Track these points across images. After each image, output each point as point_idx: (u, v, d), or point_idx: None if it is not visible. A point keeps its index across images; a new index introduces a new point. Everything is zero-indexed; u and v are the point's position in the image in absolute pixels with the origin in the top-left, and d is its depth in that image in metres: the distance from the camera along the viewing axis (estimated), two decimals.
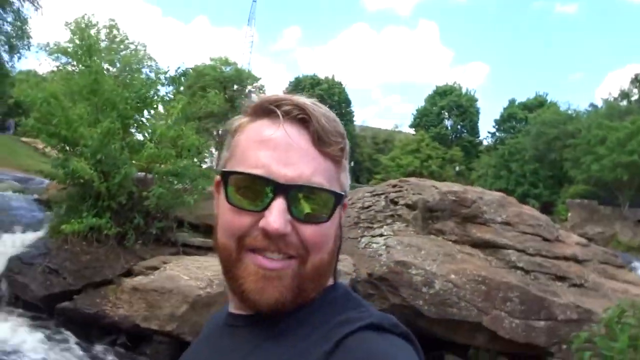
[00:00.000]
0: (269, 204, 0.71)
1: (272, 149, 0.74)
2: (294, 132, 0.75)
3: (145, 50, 33.51)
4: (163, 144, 6.84)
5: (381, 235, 7.62)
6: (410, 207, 7.61)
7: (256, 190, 0.73)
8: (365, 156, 56.74)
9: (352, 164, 53.94)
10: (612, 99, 40.97)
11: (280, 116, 0.74)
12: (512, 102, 50.15)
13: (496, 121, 50.46)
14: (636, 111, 37.46)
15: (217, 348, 0.82)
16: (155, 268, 6.79)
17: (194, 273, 5.33)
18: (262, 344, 0.75)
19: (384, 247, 7.07)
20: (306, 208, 0.72)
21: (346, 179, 0.81)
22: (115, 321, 5.85)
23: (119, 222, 7.05)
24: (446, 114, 51.06)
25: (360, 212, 8.81)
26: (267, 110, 0.77)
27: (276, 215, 0.70)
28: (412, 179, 8.51)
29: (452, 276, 6.65)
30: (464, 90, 51.19)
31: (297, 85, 52.26)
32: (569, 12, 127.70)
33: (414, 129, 53.61)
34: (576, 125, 35.93)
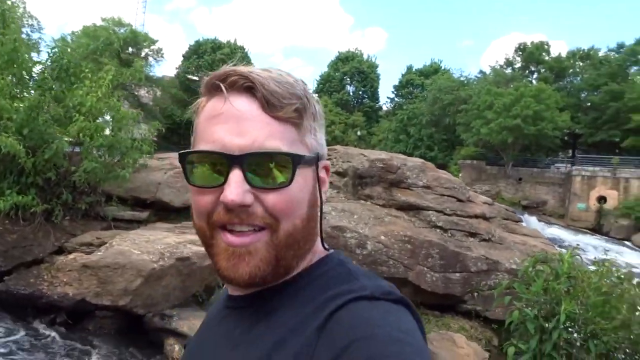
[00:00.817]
0: (226, 178, 0.71)
1: (224, 122, 0.73)
2: (243, 102, 0.73)
3: (25, 7, 30.49)
4: (93, 116, 6.56)
5: None
6: (341, 174, 8.03)
7: (214, 166, 0.72)
8: None
9: None
10: (498, 67, 44.29)
11: (224, 89, 0.74)
12: (409, 68, 52.30)
13: (395, 87, 52.50)
14: (519, 78, 40.92)
15: (216, 331, 0.83)
16: (90, 244, 6.65)
17: (144, 247, 5.35)
18: (256, 324, 0.75)
19: None
20: (263, 174, 0.71)
21: (316, 140, 0.78)
22: (54, 300, 5.71)
23: (45, 199, 6.74)
24: (348, 79, 52.08)
25: None
26: (215, 86, 0.75)
27: (232, 187, 0.70)
28: (339, 147, 8.92)
29: (382, 237, 7.22)
30: (365, 57, 52.42)
31: (197, 50, 50.40)
32: None
33: (317, 95, 54.21)
34: (468, 92, 38.42)
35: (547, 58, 42.84)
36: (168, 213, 8.59)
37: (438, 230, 7.89)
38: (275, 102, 0.72)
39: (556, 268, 5.06)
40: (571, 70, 42.85)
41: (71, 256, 6.08)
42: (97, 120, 6.55)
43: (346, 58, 52.42)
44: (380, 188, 7.93)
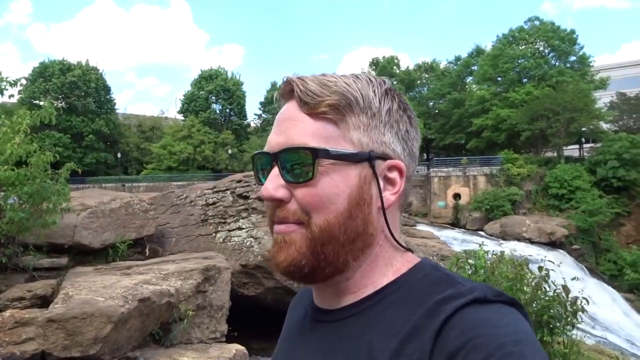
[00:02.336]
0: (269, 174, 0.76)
1: (274, 126, 0.79)
2: (287, 105, 0.78)
3: None
4: (13, 163, 6.22)
5: (240, 228, 8.36)
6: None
7: (264, 165, 0.78)
8: (133, 146, 54.10)
9: (119, 155, 51.04)
10: None
11: (275, 98, 0.82)
12: (274, 84, 53.58)
13: (262, 103, 53.44)
14: None
15: (308, 346, 0.81)
16: (22, 298, 6.35)
17: (105, 293, 5.32)
18: (361, 337, 0.73)
19: (251, 239, 7.86)
20: (292, 170, 0.73)
21: (369, 136, 0.76)
22: None
23: None
24: (214, 98, 51.88)
25: (206, 209, 9.35)
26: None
27: (267, 182, 0.74)
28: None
29: None
30: (229, 75, 52.65)
31: (44, 72, 46.53)
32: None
33: (182, 115, 53.18)
34: None
35: (397, 71, 46.92)
36: (85, 256, 8.33)
37: None
38: (308, 99, 0.74)
39: (474, 263, 6.14)
40: (419, 81, 47.42)
41: (7, 314, 5.79)
42: (19, 168, 6.24)
43: (210, 76, 52.16)
44: None
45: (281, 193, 0.73)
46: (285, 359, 0.86)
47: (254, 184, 8.88)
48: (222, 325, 6.68)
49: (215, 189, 9.54)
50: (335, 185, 0.73)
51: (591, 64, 36.66)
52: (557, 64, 36.26)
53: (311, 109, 0.74)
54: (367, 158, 0.75)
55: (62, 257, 7.80)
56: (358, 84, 0.77)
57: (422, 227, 19.57)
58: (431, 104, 45.70)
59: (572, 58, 36.50)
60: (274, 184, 0.73)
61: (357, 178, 0.75)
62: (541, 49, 37.01)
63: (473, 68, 42.36)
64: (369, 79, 0.79)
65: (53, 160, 6.79)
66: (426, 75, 47.86)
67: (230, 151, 50.09)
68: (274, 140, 0.76)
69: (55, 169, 7.28)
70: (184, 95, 53.06)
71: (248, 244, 7.89)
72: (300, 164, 0.73)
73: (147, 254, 9.23)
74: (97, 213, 8.45)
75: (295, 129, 0.74)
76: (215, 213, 9.01)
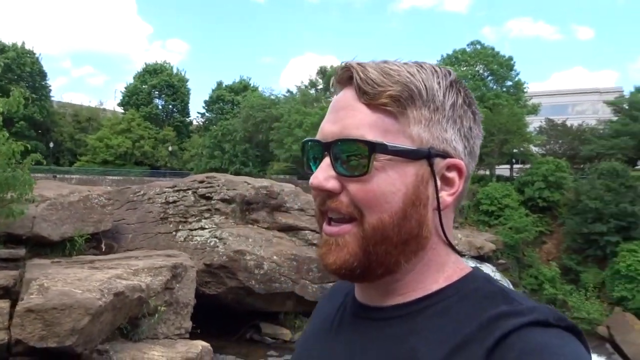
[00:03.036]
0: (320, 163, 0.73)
1: (329, 113, 0.76)
2: (344, 93, 0.74)
3: None
4: None
5: (202, 228, 8.53)
6: (227, 201, 8.72)
7: (316, 153, 0.76)
8: (66, 136, 51.83)
9: (52, 145, 48.70)
10: (303, 87, 48.03)
11: (331, 83, 0.78)
12: (219, 84, 53.13)
13: (206, 102, 52.81)
14: (322, 99, 45.10)
15: (351, 343, 0.78)
16: None
17: (82, 286, 5.36)
18: (405, 340, 0.70)
19: (215, 239, 8.05)
20: (346, 162, 0.70)
21: (430, 132, 0.72)
22: None
23: None
24: (157, 93, 50.76)
25: (165, 208, 9.43)
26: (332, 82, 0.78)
27: (317, 171, 0.72)
28: (218, 175, 9.57)
29: (275, 257, 8.17)
30: (174, 70, 51.72)
31: None
32: (259, 2, 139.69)
33: (122, 108, 51.65)
34: (279, 110, 40.90)
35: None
36: (42, 248, 8.19)
37: (313, 247, 9.12)
38: (368, 89, 0.70)
39: None
40: None
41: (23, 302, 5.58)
42: None
43: (154, 70, 51.03)
44: (265, 212, 8.87)
45: (331, 184, 0.71)
46: (321, 351, 0.82)
47: (217, 185, 9.08)
48: (186, 322, 6.85)
49: (175, 188, 9.62)
50: (391, 183, 0.70)
51: (525, 90, 39.15)
52: (494, 87, 38.42)
53: (370, 99, 0.71)
54: (426, 155, 0.71)
55: (19, 249, 7.66)
56: (422, 74, 0.73)
57: None
58: None
59: (509, 83, 38.80)
60: (324, 174, 0.71)
61: (414, 176, 0.71)
62: (481, 71, 39.09)
63: None
64: (434, 69, 0.75)
65: (23, 150, 6.70)
66: None
67: (170, 148, 49.11)
68: (328, 129, 0.73)
69: None
70: (125, 88, 51.56)
71: (212, 244, 8.08)
72: (355, 156, 0.69)
73: (103, 249, 9.18)
74: (57, 205, 8.35)
75: (351, 119, 0.71)
76: (175, 212, 9.11)
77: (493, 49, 39.61)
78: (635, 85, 44.11)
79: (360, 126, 0.70)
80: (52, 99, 51.38)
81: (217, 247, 7.98)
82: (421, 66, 0.74)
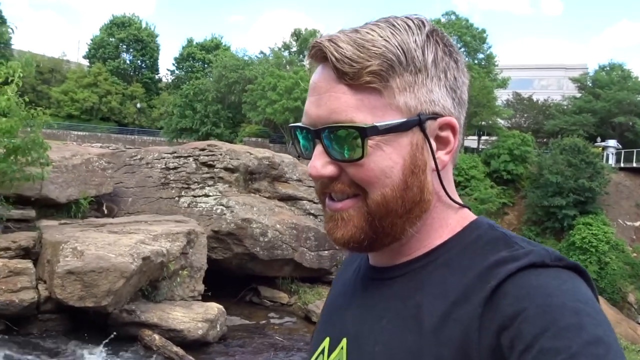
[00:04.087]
0: (313, 150, 0.72)
1: (310, 95, 0.73)
2: (323, 73, 0.71)
3: None
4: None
5: (207, 195, 8.83)
6: (230, 170, 9.02)
7: (307, 138, 0.74)
8: (28, 87, 49.87)
9: None
10: (277, 49, 47.53)
11: (306, 63, 1.46)
12: (190, 41, 51.89)
13: (176, 59, 51.63)
14: (296, 62, 44.83)
15: (361, 303, 0.79)
16: (7, 249, 6.46)
17: (114, 250, 5.65)
18: (411, 297, 0.71)
19: (221, 206, 8.39)
20: (338, 148, 0.69)
21: (416, 97, 0.70)
22: None
23: None
24: (125, 47, 49.26)
25: (166, 173, 9.66)
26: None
27: (313, 160, 0.71)
28: (219, 143, 9.81)
29: (278, 226, 8.60)
30: (143, 24, 50.12)
31: None
32: None
33: (88, 61, 49.98)
34: (252, 72, 40.47)
35: None
36: (49, 209, 8.35)
37: (311, 216, 9.59)
38: (346, 69, 0.67)
39: None
40: None
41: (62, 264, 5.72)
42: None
43: (122, 23, 49.31)
44: (266, 182, 9.23)
45: (329, 170, 0.71)
46: (338, 314, 0.83)
47: (220, 154, 9.35)
48: (199, 285, 7.26)
49: (175, 154, 9.82)
50: (388, 158, 0.69)
51: (496, 64, 40.01)
52: (467, 59, 39.07)
53: (351, 79, 0.68)
54: (417, 123, 0.70)
55: (29, 210, 7.81)
56: (397, 37, 0.69)
57: None
58: None
59: (481, 55, 39.54)
60: (321, 161, 0.70)
61: (409, 146, 0.70)
62: (455, 43, 39.62)
63: None
64: (407, 24, 0.71)
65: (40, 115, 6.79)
66: None
67: (139, 105, 48.17)
68: (314, 114, 0.71)
69: None
70: (91, 40, 49.80)
71: (219, 211, 8.41)
72: (347, 141, 0.68)
73: (105, 212, 9.38)
74: (61, 168, 8.47)
75: (336, 101, 0.69)
76: (177, 178, 9.35)
77: (467, 20, 40.13)
78: (599, 64, 45.64)
79: (347, 109, 0.68)
80: (12, 47, 49.12)
81: (225, 214, 8.32)
82: (393, 25, 0.70)
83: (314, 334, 0.89)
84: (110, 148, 25.68)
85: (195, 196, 8.91)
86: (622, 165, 30.37)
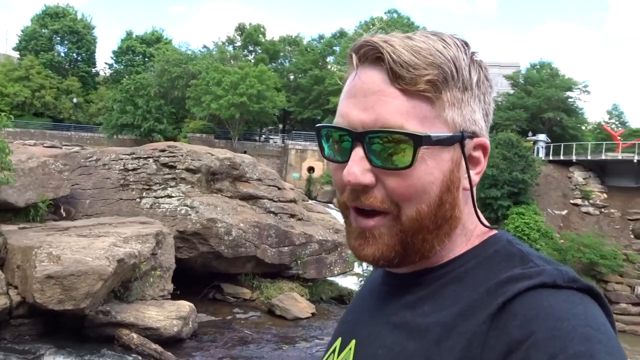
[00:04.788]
0: (349, 155, 0.67)
1: (353, 96, 0.69)
2: (372, 74, 0.68)
3: None
4: None
5: (169, 196, 8.99)
6: (192, 171, 9.20)
7: (341, 141, 0.70)
8: None
9: None
10: (220, 43, 47.05)
11: (354, 62, 0.70)
12: (129, 34, 50.40)
13: (114, 52, 50.02)
14: (241, 57, 44.60)
15: (373, 308, 0.80)
16: None
17: (90, 253, 5.76)
18: (420, 305, 0.71)
19: (185, 207, 8.59)
20: (383, 154, 0.66)
21: (462, 114, 0.69)
22: None
23: None
24: (59, 39, 47.18)
25: (125, 174, 9.71)
26: (351, 57, 0.71)
27: (351, 166, 0.67)
28: (179, 144, 9.96)
29: (241, 224, 8.89)
30: (79, 15, 48.18)
31: None
32: None
33: (18, 53, 47.51)
34: (196, 67, 39.92)
35: (263, 40, 47.45)
36: (6, 213, 8.23)
37: (271, 214, 9.94)
38: (403, 73, 0.65)
39: None
40: (282, 53, 48.59)
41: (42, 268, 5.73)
42: None
43: (56, 14, 47.15)
44: (228, 182, 9.48)
45: (368, 179, 0.67)
46: (354, 316, 0.85)
47: (180, 155, 9.51)
48: (169, 284, 7.47)
49: (134, 155, 9.87)
50: (430, 173, 0.67)
51: None
52: None
53: (407, 84, 0.65)
54: (459, 139, 0.68)
55: None
56: (450, 51, 0.68)
57: None
58: (292, 77, 47.33)
59: None
60: (360, 168, 0.66)
61: (449, 162, 0.69)
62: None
63: (335, 48, 44.83)
64: (457, 43, 0.70)
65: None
66: (289, 48, 49.21)
67: (75, 100, 46.29)
68: (357, 117, 0.67)
69: None
70: (22, 31, 47.33)
71: (183, 212, 8.60)
72: (394, 149, 0.65)
73: (63, 215, 9.33)
74: (18, 172, 8.38)
75: (386, 106, 0.66)
76: (137, 179, 9.43)
77: (409, 18, 41.35)
78: (530, 62, 48.22)
79: (397, 115, 0.66)
80: None
81: (190, 215, 8.51)
82: (444, 40, 0.69)
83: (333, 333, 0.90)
84: (45, 145, 24.78)
85: (157, 197, 9.04)
86: (550, 158, 32.31)
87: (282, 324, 8.32)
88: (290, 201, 10.70)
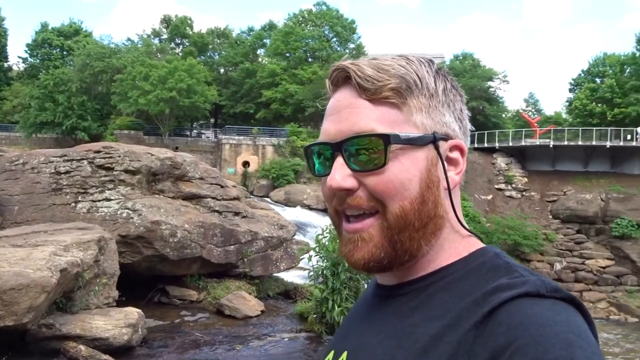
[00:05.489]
0: (331, 165, 0.74)
1: (330, 114, 0.78)
2: (344, 93, 0.77)
3: None
4: None
5: (108, 199, 8.61)
6: (132, 172, 8.85)
7: (324, 155, 0.77)
8: None
9: None
10: (146, 36, 45.36)
11: (328, 86, 0.80)
12: (44, 25, 47.56)
13: (29, 45, 47.04)
14: (167, 50, 43.20)
15: (365, 319, 0.83)
16: None
17: (28, 265, 5.39)
18: (409, 316, 0.73)
19: (127, 210, 8.26)
20: (360, 159, 0.72)
21: (431, 118, 0.76)
22: None
23: None
24: None
25: (57, 178, 9.21)
26: (327, 84, 0.81)
27: (333, 172, 0.73)
28: (115, 145, 9.52)
29: (186, 225, 8.69)
30: None
31: None
32: None
33: None
34: (121, 61, 38.29)
35: (190, 32, 46.28)
36: None
37: (216, 213, 9.77)
38: (368, 85, 0.73)
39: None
40: (211, 46, 47.62)
41: None
42: None
43: None
44: (169, 182, 9.21)
45: (349, 183, 0.73)
46: (347, 329, 0.88)
47: (118, 156, 9.14)
48: (113, 291, 7.18)
49: (66, 157, 9.36)
50: (407, 170, 0.73)
51: (366, 53, 42.19)
52: (339, 49, 40.76)
53: (372, 94, 0.74)
54: (432, 140, 0.75)
55: None
56: (412, 66, 0.77)
57: None
58: (222, 70, 46.54)
59: (352, 45, 41.44)
60: (341, 174, 0.73)
61: (425, 160, 0.74)
62: (326, 32, 41.04)
63: (265, 41, 44.51)
64: (420, 60, 0.79)
65: None
66: (218, 41, 48.31)
67: None
68: (333, 129, 0.75)
69: None
70: None
71: (125, 215, 8.28)
72: (368, 151, 0.72)
73: None
74: None
75: (358, 116, 0.74)
76: (71, 182, 8.96)
77: (338, 11, 41.74)
78: (454, 53, 50.14)
79: (369, 121, 0.73)
80: None
81: (132, 218, 8.20)
82: (408, 58, 0.78)
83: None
84: None
85: (94, 201, 8.65)
86: (475, 145, 33.81)
87: (233, 323, 8.24)
88: (234, 199, 10.58)
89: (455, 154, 0.78)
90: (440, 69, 0.80)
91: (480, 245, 0.80)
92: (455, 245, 0.78)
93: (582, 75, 39.82)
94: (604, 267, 24.70)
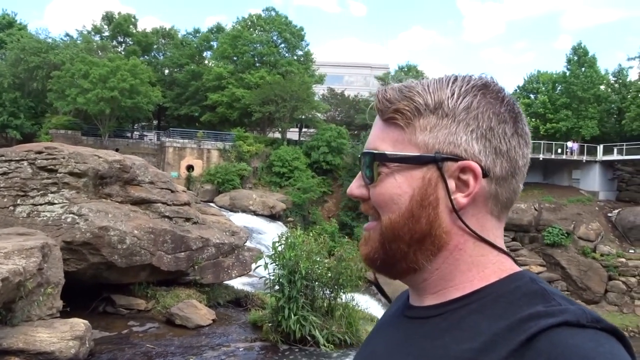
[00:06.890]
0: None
1: None
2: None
3: None
4: None
5: (51, 203, 8.13)
6: (77, 175, 8.40)
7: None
8: None
9: None
10: (86, 32, 43.52)
11: (366, 115, 0.94)
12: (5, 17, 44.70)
13: None
14: (109, 48, 41.62)
15: (392, 338, 0.83)
16: None
17: None
18: (439, 338, 0.73)
19: (72, 215, 7.82)
20: (367, 172, 0.79)
21: (436, 138, 0.76)
22: None
23: None
24: None
25: None
26: None
27: (353, 182, 0.83)
28: (59, 146, 9.01)
29: (135, 231, 8.33)
30: None
31: None
32: None
33: None
34: (59, 57, 36.57)
35: (134, 31, 44.85)
36: None
37: (166, 219, 9.45)
38: (380, 107, 0.80)
39: (293, 241, 7.83)
40: (156, 46, 46.33)
41: None
42: None
43: None
44: (118, 186, 8.81)
45: (359, 192, 0.81)
46: (370, 347, 0.88)
47: (62, 158, 8.67)
48: (57, 301, 6.77)
49: (3, 158, 8.78)
50: (398, 186, 0.76)
51: (313, 60, 42.41)
52: (287, 55, 40.71)
53: (382, 115, 0.80)
54: (432, 160, 0.75)
55: None
56: (435, 85, 0.79)
57: None
58: (167, 71, 45.38)
59: (300, 52, 41.50)
60: (356, 183, 0.82)
61: (420, 180, 0.76)
62: (275, 38, 40.90)
63: (212, 44, 43.79)
64: (455, 78, 0.80)
65: None
66: (163, 41, 47.08)
67: None
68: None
69: None
70: None
71: (69, 220, 7.83)
72: (369, 166, 0.79)
73: None
74: None
75: (372, 134, 0.82)
76: (9, 185, 8.40)
77: (286, 17, 41.69)
78: (398, 64, 51.33)
79: (376, 139, 0.80)
80: None
81: (78, 223, 7.76)
82: (441, 78, 0.81)
83: None
84: None
85: (35, 204, 8.14)
86: None
87: (184, 333, 7.96)
88: (185, 204, 10.27)
89: (467, 176, 0.76)
90: (479, 86, 0.78)
91: (516, 268, 0.77)
92: (478, 267, 0.77)
93: (518, 91, 41.75)
94: (537, 274, 25.72)
